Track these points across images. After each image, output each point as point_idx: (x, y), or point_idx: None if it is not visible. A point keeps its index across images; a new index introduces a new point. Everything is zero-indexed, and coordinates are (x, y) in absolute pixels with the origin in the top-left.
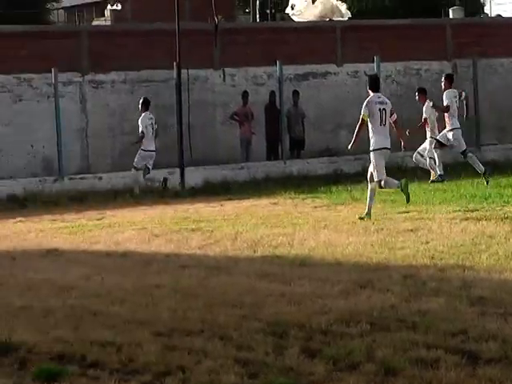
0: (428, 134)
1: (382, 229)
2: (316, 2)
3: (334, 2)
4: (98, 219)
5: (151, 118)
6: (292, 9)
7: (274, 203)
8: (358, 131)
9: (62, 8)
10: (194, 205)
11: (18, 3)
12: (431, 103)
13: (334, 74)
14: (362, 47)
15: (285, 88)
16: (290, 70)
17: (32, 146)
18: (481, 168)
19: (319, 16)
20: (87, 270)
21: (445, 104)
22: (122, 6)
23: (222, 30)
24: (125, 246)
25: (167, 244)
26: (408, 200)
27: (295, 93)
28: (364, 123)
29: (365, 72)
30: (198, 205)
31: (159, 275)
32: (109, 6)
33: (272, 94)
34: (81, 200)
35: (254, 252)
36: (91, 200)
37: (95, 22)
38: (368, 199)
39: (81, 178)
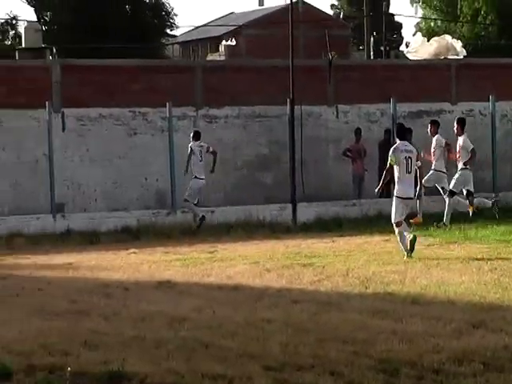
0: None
1: (496, 268)
2: (431, 40)
3: (450, 40)
4: (210, 252)
5: (201, 146)
6: (407, 46)
7: (386, 240)
8: (384, 176)
9: (178, 43)
10: (306, 240)
11: (135, 38)
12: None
13: (448, 112)
14: (477, 86)
15: None
16: (404, 108)
17: (146, 178)
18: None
19: (434, 54)
20: (199, 303)
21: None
22: (236, 42)
23: (336, 67)
24: (236, 279)
25: (279, 279)
26: (410, 251)
27: (408, 130)
28: (391, 168)
29: (479, 111)
30: (310, 240)
31: (270, 309)
32: (223, 42)
33: (387, 131)
34: (193, 233)
35: (366, 288)
36: (204, 233)
37: (210, 57)
38: (399, 241)
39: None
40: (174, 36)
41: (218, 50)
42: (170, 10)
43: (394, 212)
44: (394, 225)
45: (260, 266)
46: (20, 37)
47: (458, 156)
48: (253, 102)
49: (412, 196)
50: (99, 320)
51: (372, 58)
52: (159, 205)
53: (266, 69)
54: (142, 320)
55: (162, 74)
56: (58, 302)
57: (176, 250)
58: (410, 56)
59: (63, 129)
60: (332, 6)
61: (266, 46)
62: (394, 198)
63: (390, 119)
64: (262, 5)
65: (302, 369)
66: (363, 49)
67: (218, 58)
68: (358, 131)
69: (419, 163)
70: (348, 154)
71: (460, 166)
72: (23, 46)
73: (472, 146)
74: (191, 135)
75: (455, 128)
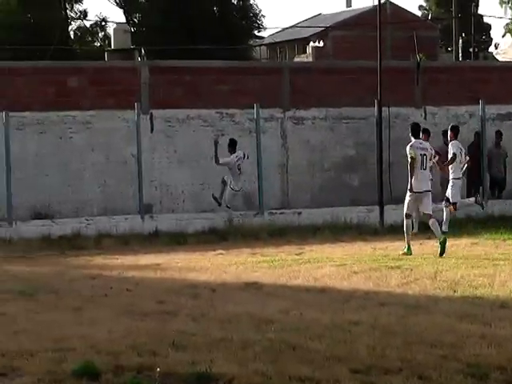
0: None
1: None
2: None
3: None
4: (298, 254)
5: (240, 158)
6: (496, 48)
7: (475, 243)
8: (411, 171)
9: (265, 44)
10: (394, 242)
11: (222, 39)
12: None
13: None
14: None
15: (486, 127)
16: (493, 110)
17: None
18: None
19: None
20: (286, 304)
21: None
22: (323, 43)
23: (424, 69)
24: (324, 281)
25: (366, 281)
26: (441, 254)
27: (498, 133)
28: (413, 160)
29: None
30: (398, 243)
31: (358, 312)
32: (311, 43)
33: (477, 134)
34: (280, 234)
35: (454, 292)
36: (290, 235)
37: (297, 59)
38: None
39: (280, 213)
40: (262, 37)
41: (306, 52)
42: (257, 11)
43: (406, 204)
44: (404, 216)
45: (347, 268)
46: (109, 38)
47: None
48: (340, 103)
49: (424, 189)
50: (187, 321)
51: (460, 59)
52: (246, 206)
53: (353, 70)
54: (229, 321)
55: (249, 76)
56: (146, 303)
57: (263, 252)
58: (499, 57)
59: (151, 130)
60: (420, 7)
61: (354, 48)
62: (408, 192)
63: (478, 121)
64: (350, 6)
65: (389, 372)
66: (451, 50)
67: (306, 60)
68: (445, 133)
69: (436, 158)
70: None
71: (450, 175)
72: (112, 47)
73: (453, 151)
74: (228, 145)
75: (449, 135)
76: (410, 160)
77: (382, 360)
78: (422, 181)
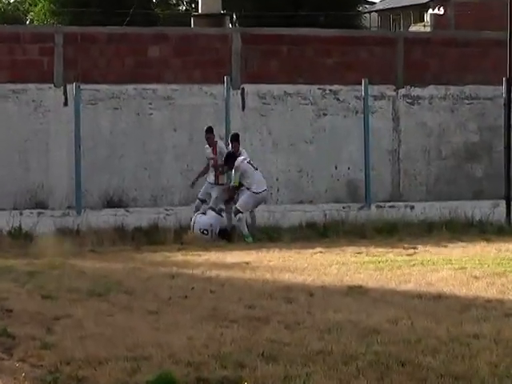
0: None
1: None
2: None
3: None
4: (409, 254)
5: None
6: None
7: None
8: None
9: (376, 11)
10: None
11: (328, 5)
12: None
13: None
14: None
15: None
16: None
17: (336, 167)
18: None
19: None
20: (395, 312)
21: None
22: (444, 11)
23: None
24: (439, 287)
25: (489, 288)
26: None
27: None
28: None
29: None
30: None
31: (478, 323)
32: (430, 10)
33: None
34: (389, 231)
35: None
36: (401, 232)
37: (413, 28)
38: None
39: (390, 207)
40: (372, 3)
41: (423, 20)
42: None
43: None
44: None
45: (467, 273)
46: (196, 2)
47: None
48: (462, 80)
49: None
50: (280, 328)
51: None
52: (351, 198)
53: (478, 42)
54: (328, 330)
55: (357, 47)
56: (233, 307)
57: (369, 251)
58: None
59: (243, 107)
60: None
61: (478, 17)
62: None
63: None
64: None
65: None
66: None
67: (423, 29)
68: None
69: None
70: None
71: None
72: (200, 11)
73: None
74: (229, 139)
75: None
76: None
77: (506, 380)
78: None
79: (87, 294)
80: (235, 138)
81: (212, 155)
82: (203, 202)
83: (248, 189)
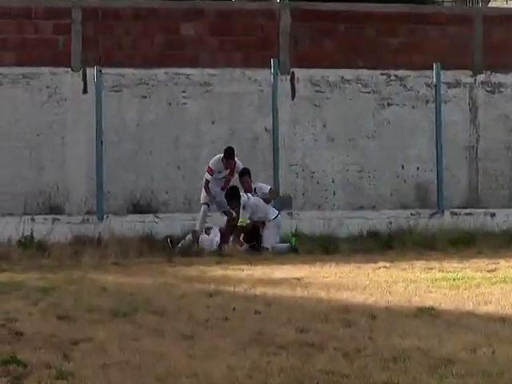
0: None
1: None
2: None
3: None
4: (490, 270)
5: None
6: None
7: None
8: None
9: None
10: None
11: None
12: None
13: None
14: None
15: None
16: None
17: (402, 166)
18: None
19: None
20: (473, 339)
21: None
22: None
23: None
24: None
25: None
26: None
27: None
28: None
29: None
30: None
31: None
32: None
33: None
34: (466, 243)
35: None
36: (480, 244)
37: (493, 3)
38: None
39: (467, 214)
40: None
41: None
42: None
43: None
44: None
45: None
46: None
47: None
48: None
49: None
50: (336, 357)
51: None
52: (420, 203)
53: None
54: (393, 359)
55: (427, 25)
56: (282, 330)
57: (442, 266)
58: None
59: (292, 96)
60: None
61: None
62: None
63: None
64: None
65: None
66: None
67: (505, 5)
68: None
69: None
70: None
71: None
72: None
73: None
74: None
75: None
76: None
77: None
78: None
79: (110, 313)
80: (244, 173)
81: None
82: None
83: (267, 221)
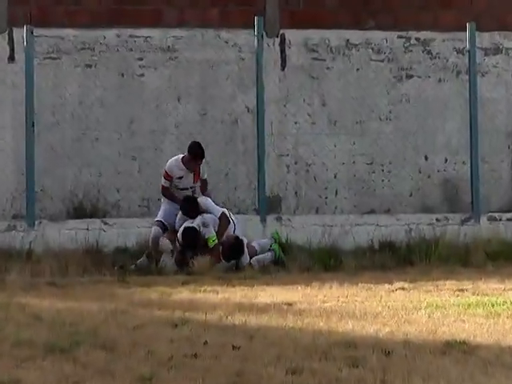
0: None
1: None
2: None
3: None
4: None
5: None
6: None
7: None
8: None
9: None
10: None
11: None
12: None
13: None
14: None
15: None
16: None
17: (426, 157)
18: None
19: None
20: None
21: None
22: None
23: None
24: None
25: None
26: None
27: None
28: None
29: None
30: None
31: None
32: None
33: None
34: (509, 257)
35: None
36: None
37: None
38: None
39: (509, 219)
40: None
41: None
42: None
43: None
44: None
45: None
46: None
47: None
48: None
49: None
50: None
51: None
52: (448, 205)
53: None
54: None
55: None
56: (267, 371)
57: (477, 287)
58: None
59: (283, 65)
60: None
61: None
62: None
63: None
64: None
65: None
66: None
67: None
68: None
69: None
70: None
71: None
72: None
73: None
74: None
75: None
76: None
77: None
78: None
79: (44, 349)
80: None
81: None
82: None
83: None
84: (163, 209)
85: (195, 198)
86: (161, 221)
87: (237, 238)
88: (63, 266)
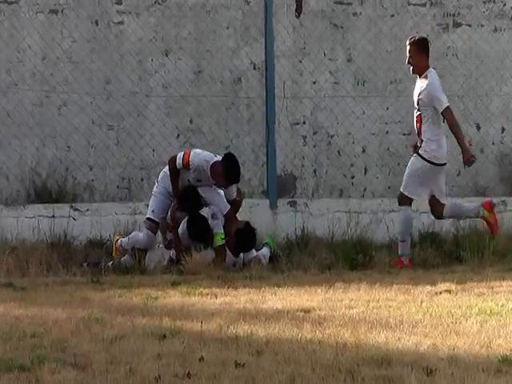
0: None
1: None
2: None
3: None
4: None
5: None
6: None
7: None
8: None
9: None
10: None
11: None
12: None
13: None
14: None
15: None
16: None
17: (478, 126)
18: None
19: None
20: None
21: None
22: None
23: None
24: None
25: None
26: None
27: None
28: None
29: None
30: None
31: None
32: None
33: None
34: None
35: None
36: None
37: None
38: None
39: None
40: None
41: None
42: None
43: None
44: None
45: None
46: None
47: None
48: None
49: None
50: None
51: None
52: (506, 185)
53: None
54: None
55: None
56: None
57: None
58: None
59: (298, 10)
60: None
61: None
62: None
63: None
64: None
65: None
66: None
67: None
68: None
69: None
70: None
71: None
72: None
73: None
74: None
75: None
76: None
77: None
78: None
79: (0, 366)
80: None
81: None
82: None
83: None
84: (160, 199)
85: (195, 187)
86: (154, 220)
87: (248, 223)
88: (22, 262)
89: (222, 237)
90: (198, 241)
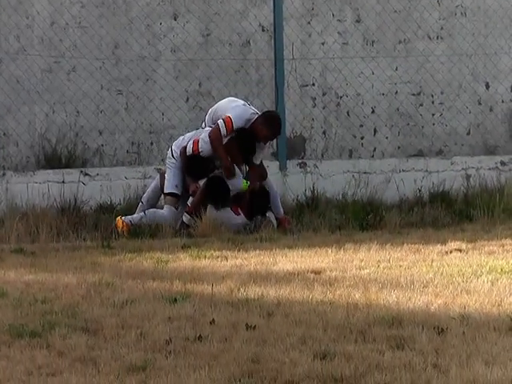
0: None
1: None
2: None
3: None
4: None
5: None
6: None
7: None
8: None
9: None
10: None
11: None
12: None
13: None
14: None
15: None
16: None
17: (487, 85)
18: None
19: None
20: None
21: None
22: None
23: None
24: None
25: None
26: None
27: None
28: None
29: None
30: None
31: None
32: None
33: None
34: None
35: None
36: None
37: None
38: None
39: None
40: None
41: None
42: None
43: None
44: None
45: None
46: None
47: None
48: None
49: None
50: None
51: None
52: None
53: None
54: None
55: None
56: (290, 356)
57: None
58: None
59: None
60: None
61: None
62: None
63: None
64: None
65: None
66: None
67: None
68: None
69: None
70: None
71: None
72: None
73: None
74: None
75: None
76: None
77: None
78: None
79: (11, 333)
80: None
81: None
82: None
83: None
84: (177, 173)
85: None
86: (177, 194)
87: (263, 187)
88: (33, 228)
89: (246, 182)
90: (216, 202)
